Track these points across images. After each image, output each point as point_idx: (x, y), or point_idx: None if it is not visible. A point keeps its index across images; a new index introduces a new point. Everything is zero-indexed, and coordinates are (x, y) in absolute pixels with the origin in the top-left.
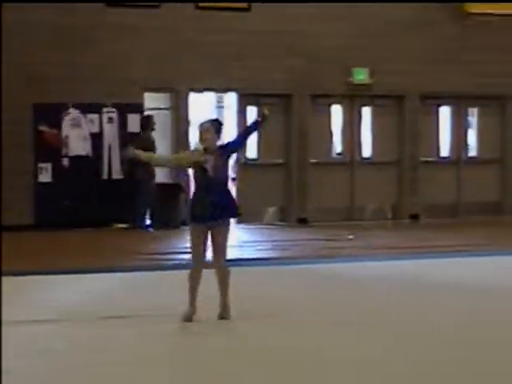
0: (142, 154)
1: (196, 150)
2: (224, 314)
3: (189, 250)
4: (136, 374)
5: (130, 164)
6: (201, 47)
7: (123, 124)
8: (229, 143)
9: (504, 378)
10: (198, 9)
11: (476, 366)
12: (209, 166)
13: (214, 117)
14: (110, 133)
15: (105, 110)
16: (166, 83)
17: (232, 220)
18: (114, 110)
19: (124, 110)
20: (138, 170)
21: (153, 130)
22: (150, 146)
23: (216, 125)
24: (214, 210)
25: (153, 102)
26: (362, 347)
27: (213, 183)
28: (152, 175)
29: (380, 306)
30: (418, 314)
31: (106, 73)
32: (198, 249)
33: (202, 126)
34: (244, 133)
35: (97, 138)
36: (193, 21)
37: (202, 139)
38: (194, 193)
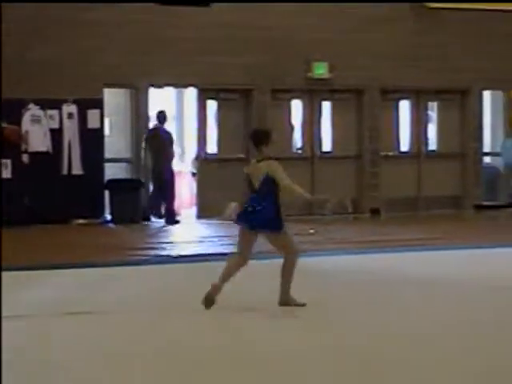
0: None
1: None
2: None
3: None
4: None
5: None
6: (161, 43)
7: (83, 120)
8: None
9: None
10: (157, 4)
11: (423, 352)
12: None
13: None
14: (70, 128)
15: (65, 105)
16: (126, 79)
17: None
18: (74, 105)
19: (84, 105)
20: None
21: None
22: (171, 139)
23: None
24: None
25: (113, 97)
26: (302, 336)
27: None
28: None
29: (329, 297)
30: (368, 305)
31: (66, 69)
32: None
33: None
34: None
35: (57, 134)
36: (153, 16)
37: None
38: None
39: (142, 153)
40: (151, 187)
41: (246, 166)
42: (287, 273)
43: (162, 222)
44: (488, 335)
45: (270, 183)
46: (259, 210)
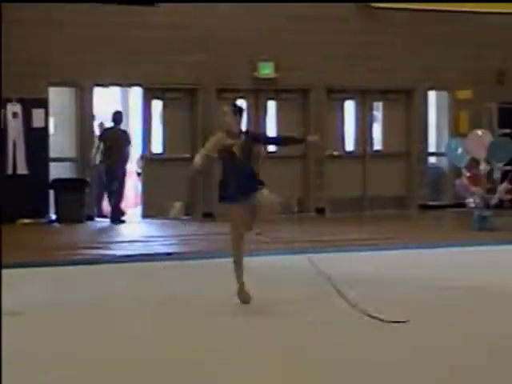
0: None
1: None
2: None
3: (93, 245)
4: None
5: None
6: (106, 42)
7: (28, 119)
8: (261, 135)
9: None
10: (101, 3)
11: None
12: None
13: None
14: (15, 128)
15: (9, 104)
16: (71, 78)
17: None
18: (19, 104)
19: (29, 104)
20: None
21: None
22: (128, 139)
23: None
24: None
25: (58, 96)
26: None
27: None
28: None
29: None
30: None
31: (10, 67)
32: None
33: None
34: (274, 140)
35: (1, 134)
36: (98, 16)
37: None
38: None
39: (94, 151)
40: (94, 185)
41: None
42: None
43: (107, 221)
44: (436, 335)
45: None
46: None
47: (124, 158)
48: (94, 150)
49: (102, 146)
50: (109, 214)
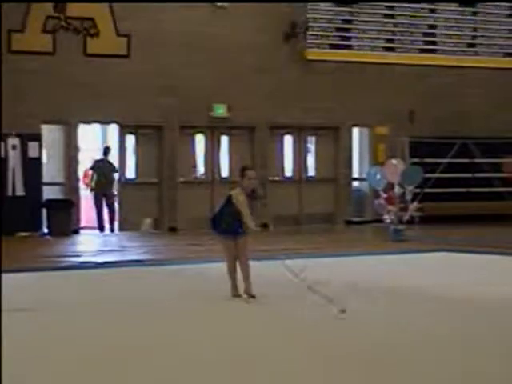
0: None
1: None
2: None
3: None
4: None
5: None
6: (89, 87)
7: (25, 150)
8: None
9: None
10: (85, 56)
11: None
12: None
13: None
14: (14, 157)
15: (10, 138)
16: (60, 116)
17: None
18: (17, 138)
19: (26, 138)
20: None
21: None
22: (114, 168)
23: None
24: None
25: (49, 132)
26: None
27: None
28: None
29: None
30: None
31: (9, 108)
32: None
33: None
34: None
35: (2, 162)
36: (82, 64)
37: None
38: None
39: (89, 179)
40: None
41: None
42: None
43: (96, 233)
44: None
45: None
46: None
47: (112, 183)
48: (89, 177)
49: (94, 174)
50: (109, 226)
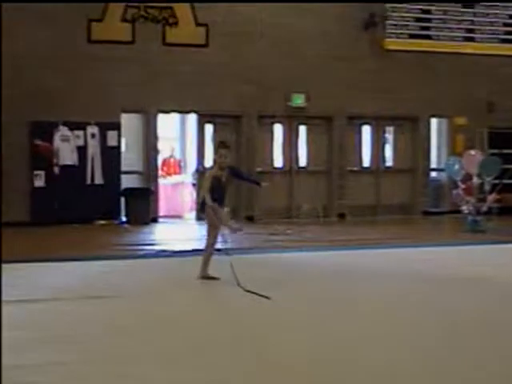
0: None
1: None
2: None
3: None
4: (108, 342)
5: None
6: (168, 76)
7: (104, 139)
8: (236, 169)
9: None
10: (164, 45)
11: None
12: (223, 179)
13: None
14: (93, 146)
15: (89, 127)
16: (139, 106)
17: None
18: (97, 127)
19: (105, 127)
20: None
21: None
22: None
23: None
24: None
25: (128, 121)
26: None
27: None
28: None
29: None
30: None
31: (90, 97)
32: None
33: (224, 148)
34: (242, 175)
35: (82, 151)
36: (161, 55)
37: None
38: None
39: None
40: None
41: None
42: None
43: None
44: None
45: None
46: None
47: None
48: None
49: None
50: None
